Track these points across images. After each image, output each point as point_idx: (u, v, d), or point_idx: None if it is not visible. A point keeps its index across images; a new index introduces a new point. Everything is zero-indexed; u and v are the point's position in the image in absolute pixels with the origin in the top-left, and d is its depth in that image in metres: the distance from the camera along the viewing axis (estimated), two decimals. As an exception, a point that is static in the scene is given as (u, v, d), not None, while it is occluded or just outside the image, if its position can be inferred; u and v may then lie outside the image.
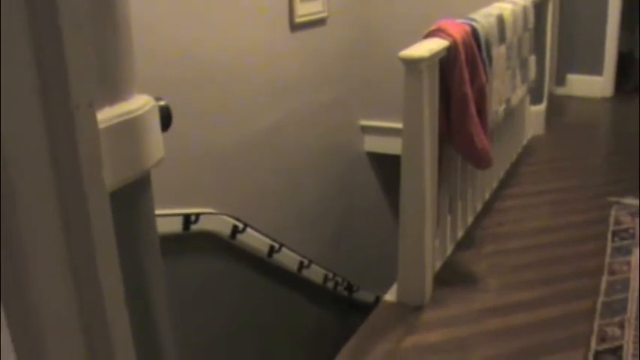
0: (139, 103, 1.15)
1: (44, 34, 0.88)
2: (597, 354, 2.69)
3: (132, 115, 1.12)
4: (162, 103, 1.26)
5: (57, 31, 0.89)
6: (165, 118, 1.27)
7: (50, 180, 0.92)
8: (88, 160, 0.95)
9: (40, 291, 0.94)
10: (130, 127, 1.12)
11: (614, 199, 4.07)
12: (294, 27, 4.56)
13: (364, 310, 3.90)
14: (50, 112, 0.90)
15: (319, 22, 4.86)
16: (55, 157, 0.92)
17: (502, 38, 3.56)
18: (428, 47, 2.77)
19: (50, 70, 0.89)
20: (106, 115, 1.07)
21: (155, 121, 1.20)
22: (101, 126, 1.01)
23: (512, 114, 4.23)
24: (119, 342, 1.04)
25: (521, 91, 4.13)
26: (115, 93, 1.12)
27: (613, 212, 3.90)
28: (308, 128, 4.83)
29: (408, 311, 3.03)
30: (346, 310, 5.50)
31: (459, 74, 2.97)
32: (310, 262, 4.83)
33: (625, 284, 3.17)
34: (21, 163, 0.87)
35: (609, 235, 3.64)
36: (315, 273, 4.97)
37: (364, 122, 5.63)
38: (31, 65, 0.87)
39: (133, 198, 1.19)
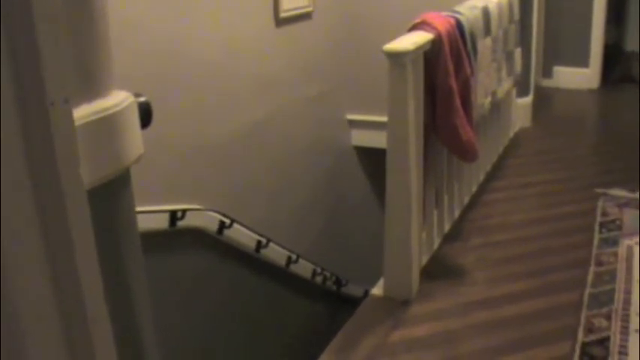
0: (118, 100, 1.14)
1: (17, 28, 0.87)
2: (584, 345, 2.69)
3: (110, 112, 1.11)
4: (142, 99, 1.25)
5: (31, 25, 0.87)
6: (146, 114, 1.25)
7: (26, 178, 0.91)
8: (65, 158, 0.94)
9: (18, 290, 0.93)
10: (108, 123, 1.10)
11: (601, 190, 4.08)
12: (280, 21, 4.54)
13: (353, 304, 3.90)
14: (25, 109, 0.89)
15: (305, 17, 4.84)
16: (31, 155, 0.91)
17: (487, 31, 3.55)
18: (412, 40, 2.76)
19: (24, 65, 0.88)
20: (83, 112, 1.06)
21: (134, 118, 1.19)
22: (78, 123, 0.99)
23: (499, 107, 4.23)
24: (99, 339, 1.04)
25: (507, 83, 4.13)
26: (92, 89, 1.11)
27: (600, 204, 3.91)
28: (295, 123, 4.82)
29: (396, 305, 3.03)
30: (335, 304, 5.50)
31: (444, 67, 2.96)
32: (298, 256, 4.82)
33: (612, 275, 3.17)
34: (-4, 161, 0.86)
35: (596, 227, 3.65)
36: (304, 268, 4.96)
37: (351, 116, 5.62)
38: (3, 61, 0.86)
39: (112, 195, 1.17)
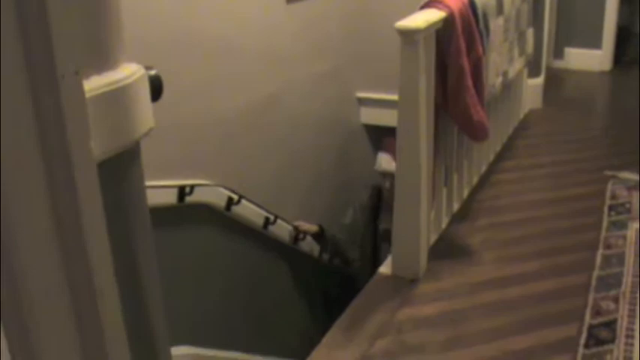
0: (128, 72, 1.13)
1: (28, 0, 0.86)
2: (591, 327, 2.69)
3: (120, 84, 1.10)
4: (152, 72, 1.24)
5: (42, -3, 0.87)
6: (156, 88, 1.25)
7: (37, 149, 0.91)
8: (75, 130, 0.93)
9: (26, 263, 0.93)
10: (118, 96, 1.10)
11: (610, 173, 4.06)
12: (291, -2, 4.52)
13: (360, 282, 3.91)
14: (35, 81, 0.88)
15: (316, -7, 4.82)
16: (42, 127, 0.90)
17: (500, 10, 3.52)
18: (424, 18, 2.74)
19: (35, 37, 0.87)
20: (93, 84, 1.06)
21: (144, 91, 1.18)
22: (89, 95, 0.99)
23: (510, 87, 4.21)
24: (106, 311, 1.03)
25: (518, 63, 4.11)
26: (103, 61, 1.10)
27: (609, 186, 3.89)
28: (304, 100, 4.81)
29: (403, 284, 3.03)
30: (342, 282, 5.51)
31: (456, 46, 2.94)
32: (305, 234, 4.83)
33: (620, 258, 3.16)
34: (6, 132, 0.85)
35: (605, 209, 3.64)
36: (311, 245, 4.97)
37: (361, 94, 5.60)
38: (15, 33, 0.85)
39: (121, 168, 1.17)
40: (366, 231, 4.57)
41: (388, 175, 4.02)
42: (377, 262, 4.24)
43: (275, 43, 4.43)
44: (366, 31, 5.29)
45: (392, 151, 3.66)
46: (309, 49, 4.83)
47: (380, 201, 4.43)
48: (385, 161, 4.13)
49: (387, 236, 3.95)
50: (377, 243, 4.47)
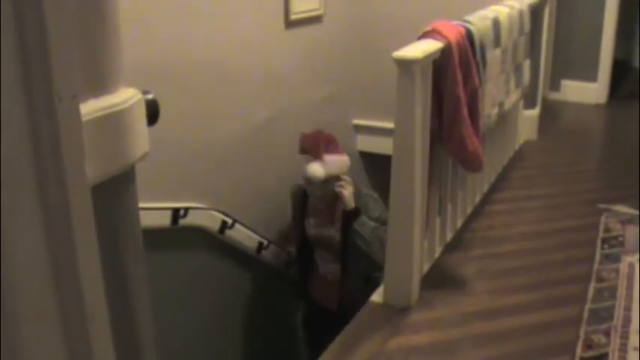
0: (125, 96, 1.14)
1: (28, 23, 0.87)
2: (582, 361, 2.68)
3: (117, 109, 1.11)
4: (149, 96, 1.25)
5: (41, 20, 0.87)
6: (153, 112, 1.25)
7: (31, 172, 0.91)
8: (71, 153, 0.94)
9: (18, 285, 0.92)
10: (114, 120, 1.10)
11: (604, 206, 4.07)
12: (290, 24, 4.54)
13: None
14: (33, 103, 0.89)
15: (315, 20, 4.84)
16: (37, 149, 0.91)
17: (497, 42, 3.55)
18: (421, 48, 2.76)
19: (33, 60, 0.88)
20: (90, 108, 1.06)
21: (141, 115, 1.18)
22: (85, 118, 0.99)
23: (505, 118, 4.22)
24: (97, 336, 1.03)
25: (514, 95, 4.12)
26: (100, 85, 1.11)
27: (603, 219, 3.90)
28: (301, 125, 4.81)
29: (395, 313, 3.02)
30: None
31: (452, 76, 2.96)
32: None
33: (612, 292, 3.16)
34: (2, 154, 0.85)
35: (598, 242, 3.64)
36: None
37: (357, 121, 5.62)
38: (14, 55, 0.86)
39: (116, 192, 1.17)
40: (296, 232, 4.22)
41: (316, 182, 3.75)
42: (313, 266, 4.16)
43: (273, 68, 4.44)
44: (363, 58, 5.32)
45: (313, 152, 3.72)
46: (306, 75, 4.85)
47: (305, 202, 4.07)
48: (315, 169, 3.72)
49: (317, 242, 3.99)
50: (309, 247, 4.14)
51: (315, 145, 3.73)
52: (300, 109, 4.79)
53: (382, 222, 3.60)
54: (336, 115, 5.33)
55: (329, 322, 3.50)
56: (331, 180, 3.75)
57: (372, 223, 3.70)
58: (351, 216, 3.74)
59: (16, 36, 0.86)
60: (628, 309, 3.01)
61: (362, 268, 3.81)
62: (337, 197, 3.78)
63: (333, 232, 3.91)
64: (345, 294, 3.95)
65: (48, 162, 0.92)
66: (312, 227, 4.02)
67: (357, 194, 3.81)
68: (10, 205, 0.88)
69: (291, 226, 4.36)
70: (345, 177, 3.79)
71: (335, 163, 3.76)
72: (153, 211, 3.50)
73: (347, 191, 3.74)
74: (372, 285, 3.42)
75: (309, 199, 3.99)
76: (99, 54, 1.10)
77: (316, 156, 3.71)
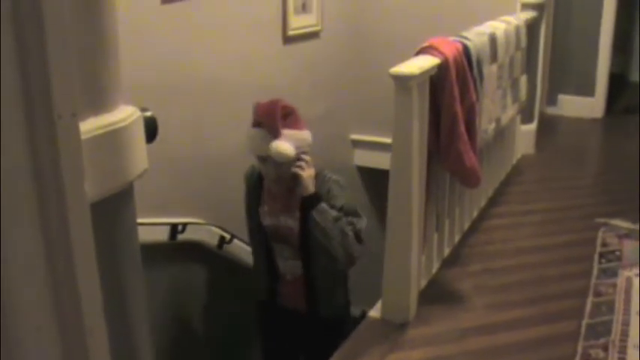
0: (124, 114, 1.15)
1: (28, 42, 0.88)
2: (580, 376, 2.68)
3: (116, 127, 1.12)
4: (148, 114, 1.26)
5: (41, 40, 0.88)
6: (151, 129, 1.26)
7: (31, 189, 0.92)
8: (70, 171, 0.94)
9: (18, 300, 0.93)
10: (113, 138, 1.11)
11: (602, 220, 4.07)
12: (288, 39, 4.56)
13: (351, 324, 3.88)
14: (33, 122, 0.90)
15: (313, 35, 4.86)
16: (37, 167, 0.91)
17: (494, 57, 3.56)
18: (418, 65, 2.77)
19: (33, 78, 0.89)
20: (89, 126, 1.07)
21: (140, 133, 1.19)
22: (84, 136, 1.00)
23: (503, 133, 4.24)
24: (95, 350, 1.04)
25: (511, 110, 4.14)
26: (99, 103, 1.12)
27: (600, 234, 3.90)
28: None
29: (392, 328, 3.02)
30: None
31: (449, 92, 2.97)
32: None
33: (610, 306, 3.17)
34: (2, 171, 0.86)
35: (596, 257, 3.64)
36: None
37: (355, 136, 5.63)
38: (14, 74, 0.87)
39: (115, 209, 1.18)
40: (250, 222, 3.41)
41: (285, 162, 3.01)
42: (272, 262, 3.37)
43: (271, 83, 4.45)
44: (361, 74, 5.34)
45: (269, 125, 2.99)
46: (304, 90, 4.86)
47: (262, 186, 3.28)
48: (283, 147, 2.97)
49: (274, 234, 3.28)
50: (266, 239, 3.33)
51: (271, 117, 3.01)
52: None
53: (347, 212, 3.06)
54: (334, 130, 5.34)
55: (296, 326, 3.35)
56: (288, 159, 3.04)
57: (335, 213, 3.01)
58: (308, 203, 3.04)
59: (16, 54, 0.86)
60: (626, 324, 3.01)
61: (326, 266, 3.19)
62: (295, 180, 3.08)
63: (291, 223, 3.20)
64: (315, 295, 3.30)
65: (47, 179, 0.92)
66: (266, 216, 3.28)
67: (320, 178, 3.14)
68: (10, 222, 0.89)
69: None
70: (305, 156, 3.07)
71: (295, 139, 3.02)
72: (151, 226, 3.50)
73: (306, 173, 3.04)
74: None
75: (263, 182, 3.28)
76: (98, 72, 1.11)
77: (273, 130, 2.98)
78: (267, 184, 3.24)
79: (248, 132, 3.10)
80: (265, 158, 3.04)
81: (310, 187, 3.06)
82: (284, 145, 2.97)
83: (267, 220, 3.28)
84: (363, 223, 3.08)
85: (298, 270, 3.28)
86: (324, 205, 3.02)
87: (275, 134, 2.98)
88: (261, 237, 3.35)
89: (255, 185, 3.33)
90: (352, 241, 2.99)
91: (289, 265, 3.30)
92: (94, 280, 1.03)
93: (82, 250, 0.98)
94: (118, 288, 1.23)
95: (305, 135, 3.12)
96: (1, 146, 0.86)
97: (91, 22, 1.08)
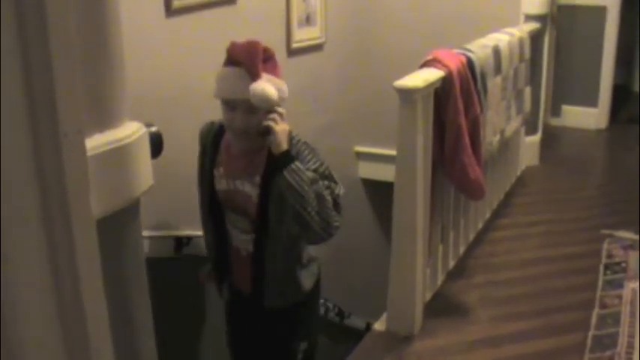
0: (130, 131, 1.15)
1: (34, 60, 0.88)
2: (586, 388, 2.68)
3: (122, 143, 1.12)
4: (153, 129, 1.26)
5: (47, 58, 0.89)
6: (157, 144, 1.26)
7: (37, 207, 0.92)
8: (76, 188, 0.95)
9: (23, 316, 0.93)
10: (119, 154, 1.11)
11: (607, 231, 4.06)
12: (291, 52, 4.57)
13: (356, 336, 3.88)
14: (38, 139, 0.90)
15: (316, 48, 4.87)
16: (43, 185, 0.91)
17: (498, 69, 3.57)
18: (423, 77, 2.77)
19: (39, 97, 0.89)
20: (95, 143, 1.07)
21: (145, 149, 1.19)
22: (90, 153, 1.00)
23: (507, 144, 4.24)
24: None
25: (515, 122, 4.14)
26: (105, 120, 1.12)
27: (605, 245, 3.89)
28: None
29: (398, 341, 3.02)
30: (337, 336, 5.48)
31: (454, 105, 2.97)
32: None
33: (616, 318, 3.16)
34: (8, 189, 0.86)
35: (601, 268, 3.63)
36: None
37: (359, 148, 5.63)
38: (20, 92, 0.87)
39: (120, 225, 1.18)
40: (202, 187, 2.88)
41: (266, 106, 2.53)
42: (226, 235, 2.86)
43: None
44: (365, 85, 5.34)
45: (249, 66, 2.55)
46: (308, 102, 4.86)
47: (218, 147, 2.78)
48: (267, 88, 2.51)
49: (228, 200, 2.76)
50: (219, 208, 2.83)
51: (252, 56, 2.59)
52: (302, 136, 4.79)
53: (323, 176, 2.61)
54: (338, 142, 5.34)
55: (247, 310, 2.89)
56: (258, 111, 2.54)
57: (310, 174, 2.53)
58: (281, 162, 2.52)
59: (22, 73, 0.87)
60: (632, 335, 3.00)
61: (289, 237, 2.65)
62: (263, 137, 2.55)
63: (249, 189, 2.66)
64: (265, 274, 2.73)
65: (53, 197, 0.93)
66: (222, 179, 2.75)
67: (290, 139, 2.63)
68: (15, 239, 0.89)
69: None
70: (279, 109, 2.60)
71: (274, 85, 2.58)
72: (156, 239, 3.50)
73: (279, 127, 2.54)
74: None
75: (222, 139, 2.78)
76: (104, 89, 1.11)
77: (252, 71, 2.54)
78: (229, 139, 2.73)
79: (219, 71, 2.66)
80: (235, 104, 2.56)
81: (284, 143, 2.55)
82: (269, 87, 2.53)
83: (221, 184, 2.76)
84: (340, 188, 2.66)
85: (251, 244, 2.75)
86: (298, 164, 2.52)
87: (254, 76, 2.53)
88: (212, 205, 2.83)
89: (212, 143, 2.81)
90: (330, 207, 2.54)
91: (244, 240, 2.76)
92: (100, 297, 1.03)
93: (87, 267, 0.98)
94: (124, 304, 1.23)
95: (283, 84, 2.69)
96: (8, 164, 0.86)
97: (96, 39, 1.08)
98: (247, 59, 2.56)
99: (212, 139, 2.80)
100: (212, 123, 2.85)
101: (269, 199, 2.59)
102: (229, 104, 2.58)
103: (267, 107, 2.52)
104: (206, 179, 2.81)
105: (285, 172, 2.48)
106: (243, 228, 2.73)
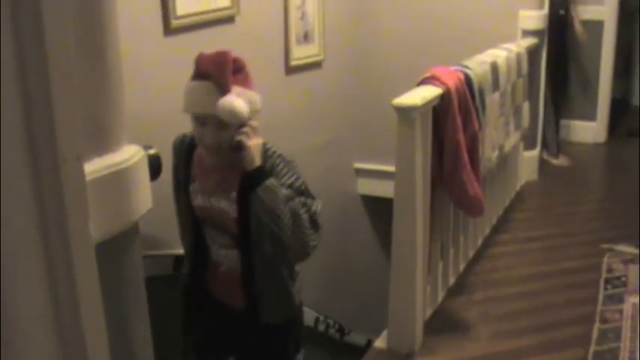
0: (128, 154, 1.15)
1: (32, 86, 0.88)
2: (588, 405, 2.67)
3: (120, 167, 1.12)
4: (151, 151, 1.26)
5: (46, 84, 0.89)
6: (155, 167, 1.27)
7: (36, 232, 0.92)
8: (75, 213, 0.95)
9: (22, 340, 0.93)
10: (118, 178, 1.12)
11: (607, 246, 4.06)
12: (290, 70, 4.58)
13: (356, 353, 3.87)
14: (37, 165, 0.90)
15: (315, 66, 4.88)
16: (42, 210, 0.92)
17: (496, 85, 3.57)
18: (421, 95, 2.78)
19: (37, 123, 0.89)
20: (94, 167, 1.07)
21: (144, 172, 1.20)
22: (89, 177, 1.01)
23: (506, 160, 4.24)
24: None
25: (514, 137, 4.14)
26: (103, 144, 1.12)
27: (606, 259, 3.89)
28: (301, 170, 4.82)
29: (398, 358, 3.01)
30: (338, 353, 5.46)
31: (452, 122, 2.98)
32: (301, 303, 4.79)
33: (617, 333, 3.15)
34: (7, 215, 0.87)
35: (601, 283, 3.63)
36: (307, 315, 4.92)
37: (358, 165, 5.63)
38: (18, 118, 0.87)
39: (119, 249, 1.18)
40: (178, 200, 2.79)
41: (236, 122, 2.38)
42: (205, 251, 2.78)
43: (273, 113, 4.46)
44: (363, 102, 5.35)
45: (219, 78, 2.42)
46: (307, 119, 4.87)
47: (191, 161, 2.65)
48: (236, 103, 2.38)
49: (205, 217, 2.69)
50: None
51: (220, 68, 2.45)
52: (300, 153, 4.78)
53: (299, 192, 2.52)
54: (337, 159, 5.35)
55: (229, 325, 2.75)
56: (230, 126, 2.42)
57: (286, 191, 2.45)
58: (255, 178, 2.43)
59: (20, 100, 0.87)
60: (633, 351, 3.00)
61: (270, 258, 2.55)
62: (235, 152, 2.46)
63: (225, 205, 2.56)
64: (255, 295, 2.62)
65: (52, 222, 0.93)
66: (197, 194, 2.64)
67: (264, 152, 2.52)
68: (14, 264, 0.89)
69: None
70: (252, 122, 2.46)
71: (245, 98, 2.44)
72: (155, 258, 3.50)
73: (252, 142, 2.44)
74: None
75: (195, 152, 2.66)
76: (102, 114, 1.12)
77: (222, 84, 2.41)
78: (200, 154, 2.62)
79: (188, 85, 2.53)
80: (205, 119, 2.43)
81: (257, 159, 2.45)
82: (239, 102, 2.39)
83: (197, 200, 2.66)
84: (318, 205, 2.56)
85: (234, 262, 2.65)
86: (272, 181, 2.43)
87: (224, 90, 2.41)
88: (188, 219, 2.75)
89: (186, 157, 2.68)
90: (307, 225, 2.46)
91: (223, 255, 2.68)
92: (100, 321, 1.03)
93: (86, 291, 0.99)
94: (124, 327, 1.23)
95: (256, 96, 2.55)
96: (7, 190, 0.86)
97: (95, 64, 1.09)
98: (216, 72, 2.44)
99: (185, 153, 2.69)
100: (184, 135, 2.72)
101: (248, 215, 2.48)
102: (199, 119, 2.46)
103: (237, 123, 2.41)
104: (182, 194, 2.73)
105: (259, 190, 2.40)
106: (222, 243, 2.66)
